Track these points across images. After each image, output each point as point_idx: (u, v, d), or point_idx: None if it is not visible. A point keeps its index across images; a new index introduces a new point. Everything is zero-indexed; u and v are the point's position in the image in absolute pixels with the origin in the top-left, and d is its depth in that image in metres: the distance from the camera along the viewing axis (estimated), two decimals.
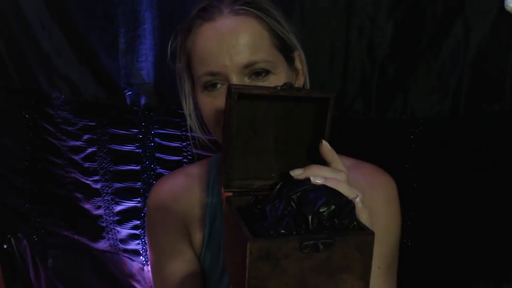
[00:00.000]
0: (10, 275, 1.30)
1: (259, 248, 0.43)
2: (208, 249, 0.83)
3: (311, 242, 0.44)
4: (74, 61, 1.11)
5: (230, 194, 0.55)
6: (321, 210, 0.47)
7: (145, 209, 1.14)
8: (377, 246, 0.71)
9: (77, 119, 1.14)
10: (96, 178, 1.17)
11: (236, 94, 0.50)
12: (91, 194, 1.19)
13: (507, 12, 0.86)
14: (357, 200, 0.51)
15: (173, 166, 1.11)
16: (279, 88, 0.51)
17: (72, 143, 1.16)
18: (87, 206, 1.21)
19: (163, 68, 1.05)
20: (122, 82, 1.09)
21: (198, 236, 0.84)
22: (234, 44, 0.68)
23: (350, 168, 0.80)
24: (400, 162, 0.97)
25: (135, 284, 1.24)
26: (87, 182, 1.18)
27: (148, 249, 0.88)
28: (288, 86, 0.52)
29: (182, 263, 0.82)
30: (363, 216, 0.51)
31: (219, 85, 0.70)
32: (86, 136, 1.15)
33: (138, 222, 1.18)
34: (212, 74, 0.69)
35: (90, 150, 1.16)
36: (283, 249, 0.43)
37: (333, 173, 0.53)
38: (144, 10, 1.04)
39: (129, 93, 1.09)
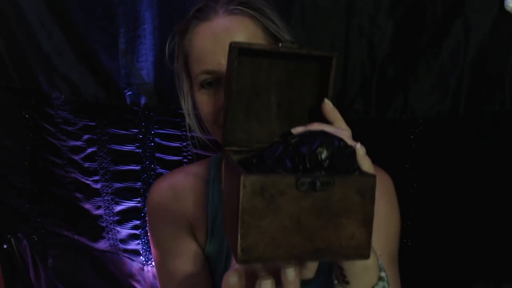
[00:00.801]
0: (10, 275, 1.30)
1: (252, 182, 0.41)
2: (210, 245, 0.83)
3: (308, 179, 0.42)
4: (74, 61, 1.11)
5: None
6: (319, 150, 0.45)
7: (145, 208, 1.14)
8: (376, 236, 0.71)
9: (77, 119, 1.14)
10: (96, 178, 1.17)
11: (236, 49, 0.50)
12: (91, 194, 1.19)
13: (507, 12, 0.86)
14: (358, 146, 0.49)
15: (173, 166, 1.11)
16: (280, 45, 0.51)
17: (72, 143, 1.16)
18: (87, 206, 1.21)
19: (163, 68, 1.05)
20: (122, 82, 1.09)
21: (200, 234, 0.84)
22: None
23: None
24: (400, 162, 0.97)
25: (135, 284, 1.23)
26: (87, 182, 1.18)
27: (151, 247, 0.88)
28: (289, 42, 0.51)
29: (187, 260, 0.82)
30: (364, 164, 0.49)
31: (215, 84, 0.71)
32: (86, 136, 1.15)
33: (138, 222, 1.18)
34: (208, 72, 0.71)
35: (90, 150, 1.16)
36: (278, 185, 0.41)
37: (336, 130, 0.51)
38: (144, 10, 1.04)
39: (129, 93, 1.09)
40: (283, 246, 0.42)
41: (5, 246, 1.29)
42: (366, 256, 0.44)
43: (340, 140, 0.47)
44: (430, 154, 0.96)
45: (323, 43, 0.96)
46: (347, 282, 0.54)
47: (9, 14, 1.12)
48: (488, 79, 0.90)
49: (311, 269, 0.50)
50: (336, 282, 0.56)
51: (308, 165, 0.45)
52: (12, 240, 1.29)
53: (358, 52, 0.95)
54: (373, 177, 0.44)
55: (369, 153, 0.84)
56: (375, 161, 0.81)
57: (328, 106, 0.53)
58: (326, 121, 0.54)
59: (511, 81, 0.89)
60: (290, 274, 0.45)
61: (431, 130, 0.95)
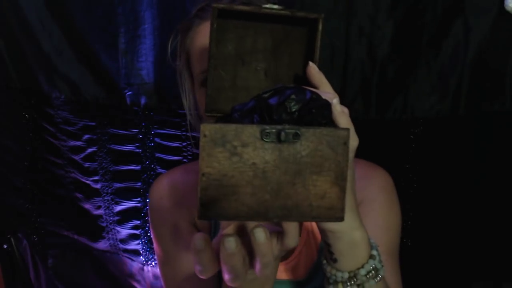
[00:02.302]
0: (10, 275, 1.30)
1: (213, 131, 0.38)
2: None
3: (274, 130, 0.39)
4: (74, 61, 1.11)
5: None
6: (289, 101, 0.42)
7: (146, 208, 1.14)
8: (373, 228, 0.71)
9: (77, 119, 1.14)
10: (96, 178, 1.17)
11: (216, 10, 0.48)
12: (91, 194, 1.19)
13: (507, 12, 0.86)
14: (334, 101, 0.46)
15: (173, 166, 1.10)
16: (262, 6, 0.49)
17: (72, 143, 1.16)
18: (87, 206, 1.21)
19: (163, 68, 1.05)
20: (122, 82, 1.09)
21: (203, 231, 0.84)
22: None
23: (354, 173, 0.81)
24: (400, 162, 0.97)
25: (135, 284, 1.23)
26: (87, 182, 1.18)
27: (154, 244, 0.88)
28: (271, 4, 0.49)
29: (190, 259, 0.82)
30: (342, 122, 0.46)
31: None
32: (86, 136, 1.15)
33: (138, 222, 1.18)
34: None
35: (90, 150, 1.15)
36: (241, 135, 0.39)
37: (322, 94, 0.49)
38: (144, 10, 1.04)
39: (129, 93, 1.09)
40: (246, 203, 0.39)
41: (5, 246, 1.29)
42: (339, 218, 0.41)
43: (314, 93, 0.44)
44: (430, 154, 0.96)
45: (323, 43, 0.96)
46: (335, 260, 0.52)
47: (9, 14, 1.11)
48: (488, 79, 0.90)
49: (292, 236, 0.47)
50: (324, 262, 0.54)
51: (275, 117, 0.42)
52: (12, 240, 1.29)
53: (358, 52, 0.95)
54: (345, 130, 0.40)
55: (369, 153, 0.85)
56: (375, 161, 0.82)
57: (313, 69, 0.51)
58: (314, 87, 0.51)
59: (511, 81, 0.89)
60: (259, 234, 0.42)
61: (431, 130, 0.95)
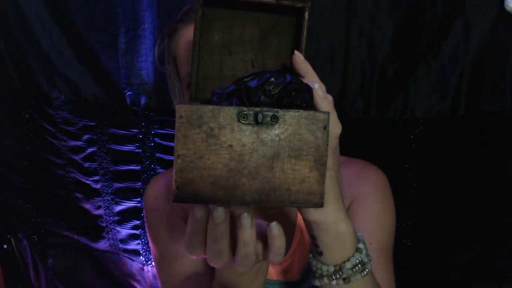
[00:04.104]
0: (10, 275, 1.30)
1: (189, 111, 0.37)
2: None
3: (251, 112, 0.38)
4: (74, 61, 1.11)
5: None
6: (268, 83, 0.42)
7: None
8: (366, 225, 0.71)
9: (77, 119, 1.14)
10: (96, 178, 1.17)
11: None
12: (91, 194, 1.19)
13: (507, 12, 0.86)
14: (316, 86, 0.45)
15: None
16: None
17: (72, 143, 1.16)
18: (87, 206, 1.21)
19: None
20: (122, 82, 1.09)
21: None
22: None
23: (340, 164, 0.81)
24: (400, 162, 0.97)
25: (135, 284, 1.23)
26: (87, 182, 1.18)
27: (150, 244, 0.88)
28: None
29: (187, 261, 0.81)
30: (323, 106, 0.45)
31: None
32: (86, 136, 1.15)
33: (138, 222, 1.18)
34: None
35: (90, 150, 1.15)
36: (218, 116, 0.38)
37: (308, 83, 0.47)
38: (144, 10, 1.04)
39: (129, 93, 1.09)
40: (223, 186, 0.39)
41: (5, 246, 1.29)
42: (318, 204, 0.40)
43: (295, 77, 0.43)
44: (430, 155, 0.96)
45: (323, 43, 0.96)
46: (320, 253, 0.51)
47: (9, 14, 1.11)
48: (488, 79, 0.90)
49: (277, 253, 0.45)
50: (311, 255, 0.53)
51: (253, 99, 0.41)
52: (12, 240, 1.29)
53: (358, 52, 0.95)
54: (325, 113, 0.39)
55: (369, 153, 0.85)
56: (375, 161, 0.82)
57: (299, 58, 0.49)
58: (297, 72, 0.50)
59: (511, 81, 0.89)
60: (245, 220, 0.41)
61: (431, 130, 0.95)
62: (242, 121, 0.38)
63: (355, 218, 0.73)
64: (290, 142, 0.39)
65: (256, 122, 0.38)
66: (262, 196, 0.39)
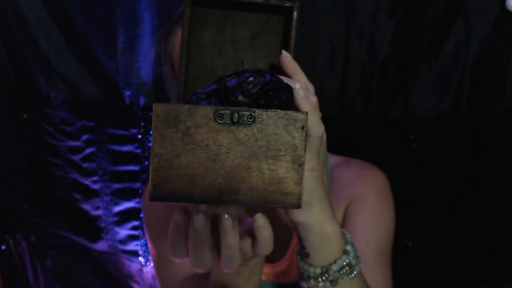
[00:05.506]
0: (8, 276, 1.30)
1: (165, 110, 0.38)
2: None
3: (228, 111, 0.38)
4: (73, 61, 1.11)
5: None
6: (246, 83, 0.42)
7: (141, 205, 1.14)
8: (363, 227, 0.71)
9: (75, 119, 1.14)
10: (94, 178, 1.17)
11: None
12: (89, 194, 1.19)
13: (508, 12, 0.85)
14: (297, 86, 0.45)
15: None
16: None
17: (71, 143, 1.16)
18: (86, 206, 1.20)
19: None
20: (121, 82, 1.09)
21: None
22: None
23: (339, 164, 0.80)
24: (401, 162, 0.97)
25: (134, 285, 1.23)
26: (86, 182, 1.18)
27: (148, 245, 0.87)
28: None
29: (186, 263, 0.81)
30: (303, 106, 0.44)
31: None
32: (84, 136, 1.14)
33: (137, 223, 1.18)
34: None
35: (88, 150, 1.15)
36: (195, 115, 0.38)
37: (292, 83, 0.47)
38: (143, 9, 1.04)
39: (128, 93, 1.09)
40: (199, 186, 0.39)
41: (3, 247, 1.29)
42: (296, 205, 0.40)
43: (275, 76, 0.43)
44: (430, 155, 0.96)
45: (323, 43, 0.96)
46: (307, 255, 0.51)
47: (8, 14, 1.11)
48: (489, 79, 0.90)
49: (264, 244, 0.44)
50: (298, 257, 0.53)
51: (231, 98, 0.41)
52: (11, 241, 1.29)
53: (358, 52, 0.95)
54: (303, 114, 0.39)
55: (369, 153, 0.84)
56: (375, 161, 0.82)
57: (286, 58, 0.49)
58: (288, 77, 0.50)
59: None
60: (227, 222, 0.41)
61: (431, 130, 0.95)
62: (218, 121, 0.38)
63: (353, 219, 0.73)
64: (267, 142, 0.39)
65: (233, 122, 0.39)
66: (239, 196, 0.39)
